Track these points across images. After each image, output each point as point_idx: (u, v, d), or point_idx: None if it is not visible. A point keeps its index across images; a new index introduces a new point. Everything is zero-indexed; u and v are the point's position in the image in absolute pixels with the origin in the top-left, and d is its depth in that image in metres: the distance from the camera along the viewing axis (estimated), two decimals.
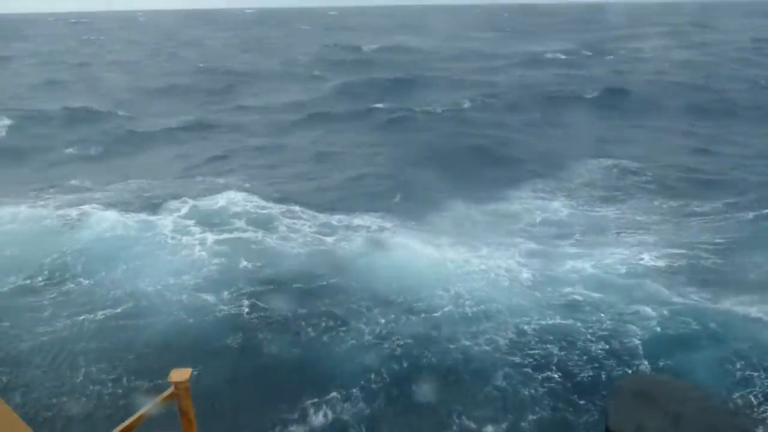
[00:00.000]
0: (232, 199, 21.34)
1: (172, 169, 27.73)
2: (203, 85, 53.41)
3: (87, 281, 15.89)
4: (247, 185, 23.79)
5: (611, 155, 27.98)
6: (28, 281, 15.80)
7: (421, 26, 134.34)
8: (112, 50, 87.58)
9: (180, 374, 3.60)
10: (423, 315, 14.27)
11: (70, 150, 31.85)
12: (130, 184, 24.26)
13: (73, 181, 24.95)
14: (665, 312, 14.00)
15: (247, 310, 14.69)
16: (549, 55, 68.84)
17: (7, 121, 36.48)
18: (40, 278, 15.96)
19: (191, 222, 19.26)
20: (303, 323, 14.19)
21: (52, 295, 15.34)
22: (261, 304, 14.87)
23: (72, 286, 15.73)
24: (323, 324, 14.08)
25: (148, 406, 3.46)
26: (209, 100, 46.50)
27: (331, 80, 51.23)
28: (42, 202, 21.67)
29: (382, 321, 14.14)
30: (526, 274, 16.16)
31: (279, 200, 21.77)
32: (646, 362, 12.56)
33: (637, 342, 13.08)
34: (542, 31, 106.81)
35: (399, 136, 32.93)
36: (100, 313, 14.69)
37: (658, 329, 13.44)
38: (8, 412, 2.51)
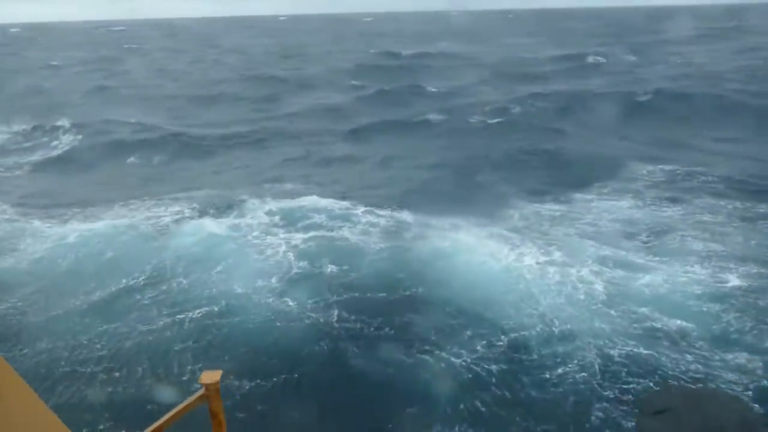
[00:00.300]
0: (309, 202, 22.02)
1: (241, 176, 28.47)
2: (251, 92, 54.36)
3: (185, 281, 16.57)
4: (317, 189, 24.40)
5: (673, 160, 27.95)
6: (132, 282, 16.54)
7: (457, 32, 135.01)
8: (156, 58, 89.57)
9: (211, 376, 3.60)
10: (513, 335, 13.94)
11: (132, 159, 32.69)
12: (206, 191, 24.95)
13: (149, 190, 25.79)
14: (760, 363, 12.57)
15: (332, 318, 14.89)
16: (591, 59, 68.76)
17: (69, 132, 37.71)
18: (141, 279, 16.69)
19: (274, 224, 19.97)
20: (386, 337, 14.17)
21: (153, 294, 16.05)
22: (345, 314, 15.03)
23: (171, 286, 16.41)
24: (408, 339, 14.00)
25: (178, 407, 3.43)
26: (259, 108, 47.35)
27: (376, 86, 51.67)
28: (128, 211, 22.49)
29: (471, 339, 13.88)
30: (599, 286, 15.99)
31: (353, 202, 22.37)
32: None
33: (738, 390, 11.83)
34: (580, 35, 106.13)
35: (455, 141, 33.37)
36: (197, 311, 15.33)
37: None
38: (48, 413, 2.49)
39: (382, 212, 21.52)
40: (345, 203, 22.29)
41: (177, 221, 20.82)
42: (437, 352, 13.49)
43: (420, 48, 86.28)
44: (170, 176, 29.06)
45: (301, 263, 17.55)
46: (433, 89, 50.37)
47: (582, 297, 15.56)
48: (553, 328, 14.11)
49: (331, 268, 17.26)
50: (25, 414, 2.27)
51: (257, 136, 36.76)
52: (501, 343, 13.71)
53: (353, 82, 57.33)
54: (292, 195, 23.49)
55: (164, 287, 16.39)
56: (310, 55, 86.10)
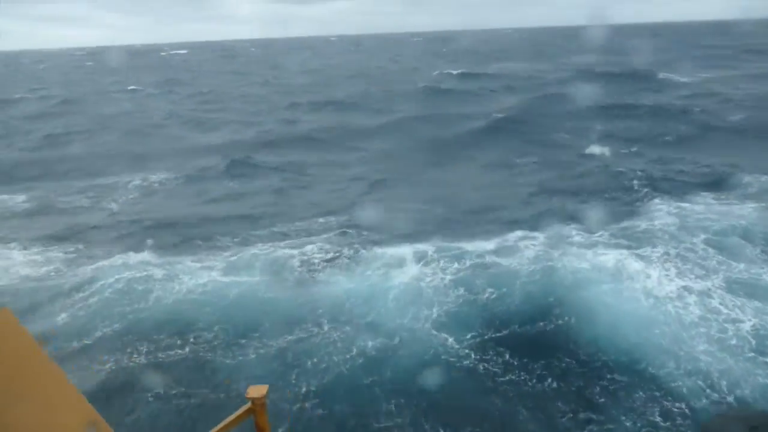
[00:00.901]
0: None
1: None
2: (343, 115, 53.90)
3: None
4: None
5: None
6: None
7: (518, 50, 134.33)
8: (227, 81, 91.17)
9: (257, 390, 3.63)
10: (682, 403, 12.58)
11: (279, 181, 32.46)
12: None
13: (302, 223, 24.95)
14: None
15: (492, 362, 14.62)
16: (662, 76, 67.43)
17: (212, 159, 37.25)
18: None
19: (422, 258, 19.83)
20: (550, 394, 13.33)
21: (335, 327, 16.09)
22: (506, 357, 14.75)
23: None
24: (573, 401, 13.02)
25: (225, 421, 3.44)
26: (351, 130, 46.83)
27: (454, 108, 51.40)
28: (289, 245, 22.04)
29: (644, 406, 12.59)
30: (746, 325, 14.88)
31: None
32: None
33: None
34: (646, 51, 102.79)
35: (552, 156, 33.55)
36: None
37: None
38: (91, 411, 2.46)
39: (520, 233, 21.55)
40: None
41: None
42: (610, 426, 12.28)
43: (482, 69, 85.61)
44: (315, 204, 28.01)
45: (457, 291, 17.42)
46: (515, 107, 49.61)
47: (734, 342, 14.40)
48: (724, 396, 12.70)
49: (486, 295, 17.10)
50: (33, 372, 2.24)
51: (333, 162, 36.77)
52: (677, 411, 12.45)
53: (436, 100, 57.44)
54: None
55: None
56: (377, 76, 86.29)
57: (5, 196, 30.07)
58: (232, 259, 20.22)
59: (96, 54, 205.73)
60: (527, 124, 42.87)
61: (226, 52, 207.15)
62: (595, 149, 34.92)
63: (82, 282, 18.64)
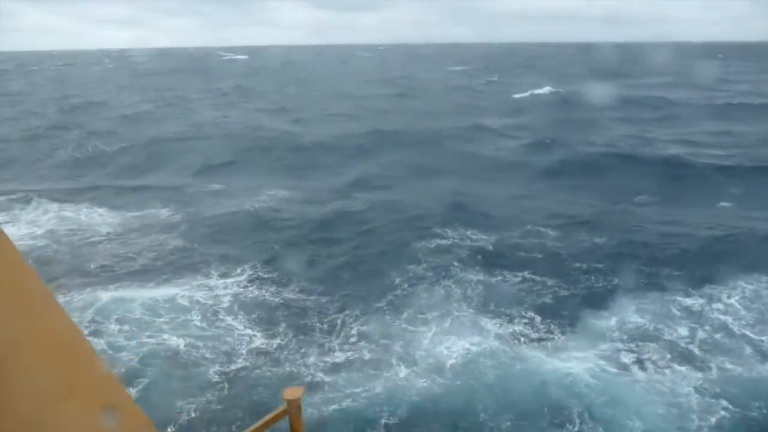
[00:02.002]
0: None
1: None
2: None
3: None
4: None
5: None
6: None
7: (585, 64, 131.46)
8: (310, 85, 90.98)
9: (293, 392, 3.76)
10: None
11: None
12: None
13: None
14: None
15: None
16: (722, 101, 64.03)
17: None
18: None
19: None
20: None
21: None
22: None
23: None
24: None
25: (261, 421, 3.52)
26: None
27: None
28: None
29: None
30: None
31: None
32: None
33: None
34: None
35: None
36: None
37: None
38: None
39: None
40: None
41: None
42: None
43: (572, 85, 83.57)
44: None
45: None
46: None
47: None
48: None
49: None
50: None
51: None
52: None
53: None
54: None
55: None
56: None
57: None
58: None
59: (164, 56, 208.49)
60: None
61: (286, 58, 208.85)
62: None
63: None
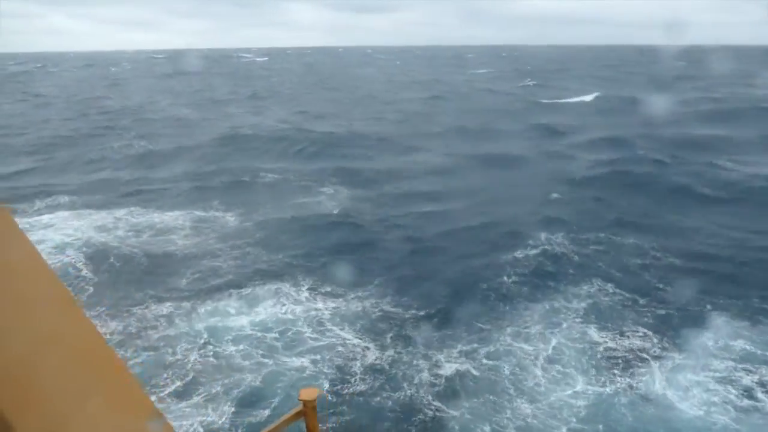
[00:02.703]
0: None
1: None
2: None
3: None
4: None
5: None
6: None
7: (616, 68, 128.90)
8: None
9: (309, 393, 3.74)
10: None
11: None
12: None
13: None
14: None
15: None
16: None
17: None
18: None
19: None
20: None
21: None
22: None
23: None
24: None
25: (276, 422, 3.54)
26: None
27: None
28: None
29: None
30: None
31: None
32: None
33: None
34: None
35: None
36: None
37: None
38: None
39: None
40: None
41: None
42: None
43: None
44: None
45: None
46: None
47: None
48: None
49: None
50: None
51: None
52: None
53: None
54: None
55: None
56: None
57: None
58: None
59: (182, 57, 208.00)
60: None
61: (305, 59, 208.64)
62: None
63: None
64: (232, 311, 18.78)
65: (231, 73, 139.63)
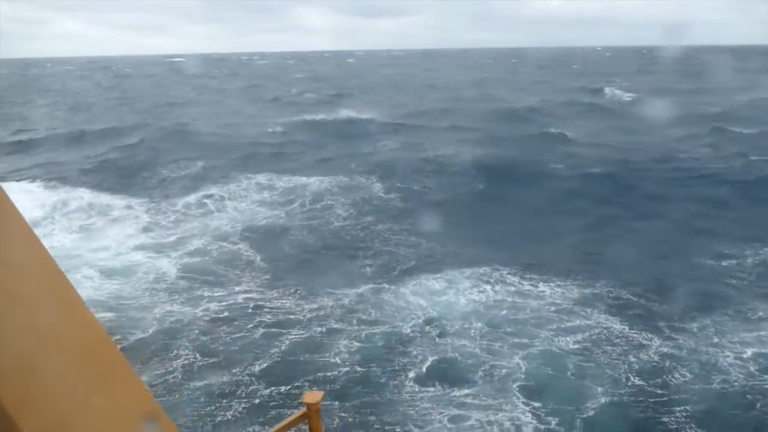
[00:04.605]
0: None
1: None
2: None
3: None
4: None
5: None
6: None
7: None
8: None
9: (313, 396, 3.75)
10: None
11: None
12: None
13: None
14: None
15: None
16: None
17: None
18: None
19: None
20: None
21: None
22: None
23: None
24: None
25: (279, 425, 3.52)
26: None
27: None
28: None
29: None
30: None
31: None
32: None
33: None
34: None
35: None
36: None
37: None
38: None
39: None
40: None
41: None
42: None
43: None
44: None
45: None
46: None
47: None
48: None
49: None
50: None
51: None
52: None
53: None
54: None
55: None
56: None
57: None
58: None
59: (202, 61, 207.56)
60: None
61: (327, 62, 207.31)
62: None
63: None
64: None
65: (261, 76, 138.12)
